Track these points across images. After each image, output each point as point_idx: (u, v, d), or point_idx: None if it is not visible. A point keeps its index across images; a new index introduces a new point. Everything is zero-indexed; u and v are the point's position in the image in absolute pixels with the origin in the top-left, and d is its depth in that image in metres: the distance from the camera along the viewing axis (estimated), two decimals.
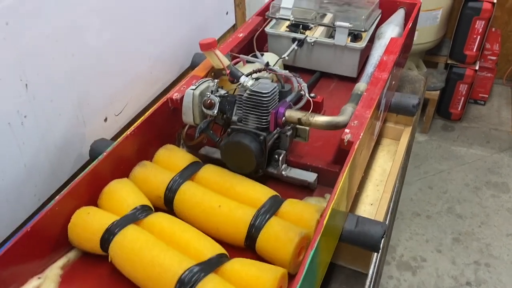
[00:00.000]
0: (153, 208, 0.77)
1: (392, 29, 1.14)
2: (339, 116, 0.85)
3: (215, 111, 0.85)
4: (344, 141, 0.79)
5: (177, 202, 0.78)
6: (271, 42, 1.22)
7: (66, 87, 0.93)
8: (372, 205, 0.96)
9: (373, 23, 1.17)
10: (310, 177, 0.87)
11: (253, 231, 0.73)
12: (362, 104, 0.87)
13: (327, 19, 1.17)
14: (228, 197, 0.79)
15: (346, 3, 1.23)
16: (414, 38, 1.79)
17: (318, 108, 1.07)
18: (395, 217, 1.04)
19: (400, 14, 1.21)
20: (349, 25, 1.09)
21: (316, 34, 1.18)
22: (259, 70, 0.92)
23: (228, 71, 0.91)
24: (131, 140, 0.83)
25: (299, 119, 0.82)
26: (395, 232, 2.29)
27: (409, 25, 1.15)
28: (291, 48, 1.14)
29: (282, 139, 0.88)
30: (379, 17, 1.22)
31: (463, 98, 2.77)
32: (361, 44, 1.12)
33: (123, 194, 0.74)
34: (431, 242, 2.21)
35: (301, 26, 1.18)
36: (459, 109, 2.83)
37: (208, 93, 0.86)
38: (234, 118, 0.85)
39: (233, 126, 0.84)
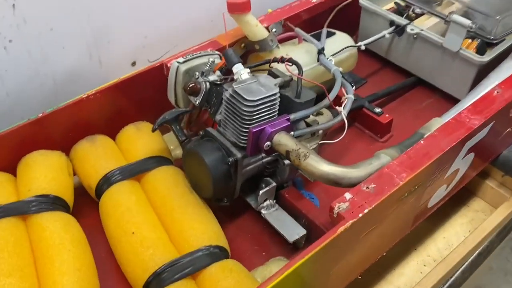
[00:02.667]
0: (68, 203, 0.59)
1: None
2: (351, 167, 0.53)
3: (198, 101, 0.61)
4: (333, 211, 0.49)
5: (101, 203, 0.59)
6: (364, 18, 0.88)
7: (76, 16, 0.76)
8: None
9: None
10: (291, 233, 0.59)
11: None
12: (406, 157, 0.54)
13: (448, 9, 0.77)
14: (161, 221, 0.57)
15: None
16: None
17: (381, 131, 0.74)
18: None
19: None
20: (470, 24, 0.70)
21: (426, 24, 0.80)
22: (269, 62, 0.63)
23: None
24: (91, 104, 0.65)
25: (287, 152, 0.54)
26: (505, 287, 1.80)
27: None
28: (377, 36, 0.80)
29: (280, 166, 0.61)
30: None
31: None
32: (484, 57, 0.72)
33: (32, 174, 0.58)
34: None
35: (411, 9, 0.81)
36: None
37: (197, 74, 0.62)
38: (218, 117, 0.60)
39: (208, 130, 0.59)
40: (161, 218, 0.58)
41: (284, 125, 0.55)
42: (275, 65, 0.64)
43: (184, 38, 0.92)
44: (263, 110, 0.55)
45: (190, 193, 0.59)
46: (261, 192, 0.60)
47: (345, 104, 0.63)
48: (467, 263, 0.72)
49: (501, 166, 0.74)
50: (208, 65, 0.61)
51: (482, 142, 0.63)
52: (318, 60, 0.72)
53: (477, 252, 0.75)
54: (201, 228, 0.55)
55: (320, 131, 0.63)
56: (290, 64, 0.63)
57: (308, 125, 0.63)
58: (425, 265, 0.72)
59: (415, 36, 0.79)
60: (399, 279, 0.70)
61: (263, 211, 0.61)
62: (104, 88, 0.66)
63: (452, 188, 0.67)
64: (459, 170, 0.63)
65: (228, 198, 0.60)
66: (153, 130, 0.60)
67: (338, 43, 0.77)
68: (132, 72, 0.70)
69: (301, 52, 0.75)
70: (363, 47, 0.77)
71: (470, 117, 0.59)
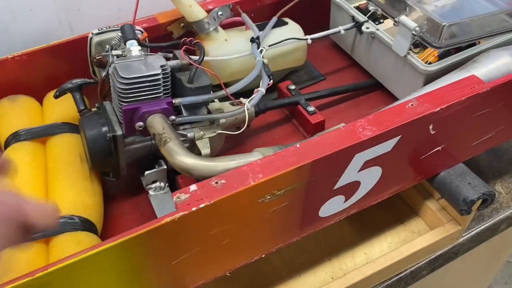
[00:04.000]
0: None
1: (500, 63, 0.62)
2: (208, 160, 0.51)
3: (104, 73, 0.61)
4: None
5: None
6: (334, 11, 0.82)
7: None
8: None
9: (476, 39, 0.65)
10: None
11: None
12: (272, 158, 0.50)
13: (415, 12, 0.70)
14: (46, 185, 0.59)
15: None
16: None
17: (311, 131, 0.71)
18: None
19: None
20: (415, 27, 0.63)
21: (386, 24, 0.74)
22: (178, 44, 0.61)
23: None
24: (19, 66, 0.68)
25: (153, 135, 0.53)
26: None
27: None
28: (330, 31, 0.74)
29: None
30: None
31: None
32: (430, 66, 0.65)
33: None
34: None
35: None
36: None
37: (108, 46, 0.62)
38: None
39: (104, 103, 0.60)
40: (47, 182, 0.60)
41: (160, 107, 0.54)
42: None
43: (160, 10, 0.92)
44: (140, 89, 0.54)
45: (80, 163, 0.60)
46: (146, 172, 0.59)
47: (252, 97, 0.60)
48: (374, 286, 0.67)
49: (437, 188, 0.67)
50: (117, 39, 0.61)
51: (390, 157, 0.57)
52: None
53: (398, 276, 0.69)
54: (71, 198, 0.56)
55: (222, 120, 0.61)
56: (197, 48, 0.61)
57: (209, 113, 0.61)
58: (332, 278, 0.67)
59: (372, 35, 0.72)
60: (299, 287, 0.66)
61: (150, 192, 0.61)
62: (34, 50, 0.68)
63: (359, 201, 0.61)
64: (360, 183, 0.58)
65: (114, 174, 0.60)
66: (55, 97, 0.62)
67: (287, 34, 0.73)
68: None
69: (242, 39, 0.72)
70: (309, 41, 0.73)
71: (365, 127, 0.53)
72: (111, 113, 0.58)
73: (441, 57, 0.68)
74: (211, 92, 0.58)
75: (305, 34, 0.75)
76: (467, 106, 0.57)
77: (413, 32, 0.63)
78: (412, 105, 0.56)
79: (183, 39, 0.62)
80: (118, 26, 0.64)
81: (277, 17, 0.76)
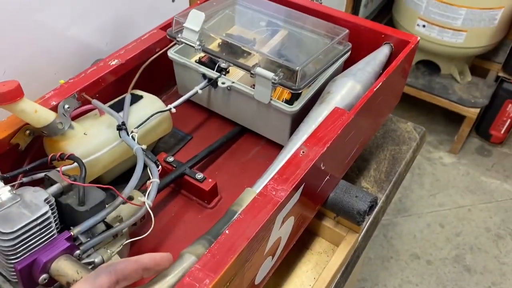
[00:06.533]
0: None
1: (347, 88, 0.70)
2: (146, 285, 0.45)
3: None
4: None
5: None
6: (179, 72, 0.81)
7: None
8: None
9: (322, 72, 0.73)
10: None
11: None
12: (210, 257, 0.47)
13: (255, 57, 0.73)
14: None
15: (301, 26, 0.79)
16: (462, 39, 1.34)
17: (207, 197, 0.68)
18: None
19: (376, 58, 0.75)
20: (274, 77, 0.66)
21: (238, 74, 0.76)
22: (46, 162, 0.53)
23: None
24: None
25: (68, 284, 0.44)
26: (383, 274, 1.89)
27: (386, 75, 0.69)
28: (188, 95, 0.73)
29: None
30: (344, 56, 0.77)
31: (509, 120, 2.21)
32: (293, 107, 0.69)
33: None
34: None
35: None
36: (502, 132, 2.27)
37: None
38: None
39: None
40: None
41: (62, 248, 0.46)
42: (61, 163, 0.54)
43: None
44: (30, 239, 0.44)
45: None
46: None
47: (149, 192, 0.55)
48: None
49: (331, 209, 0.72)
50: None
51: (299, 204, 0.59)
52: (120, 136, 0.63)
53: None
54: None
55: (125, 229, 0.54)
56: (72, 162, 0.53)
57: (108, 225, 0.54)
58: None
59: (229, 88, 0.73)
60: None
61: None
62: None
63: (282, 252, 0.62)
64: (281, 238, 0.59)
65: None
66: None
67: (147, 109, 0.69)
68: None
69: (103, 128, 0.66)
70: (173, 110, 0.70)
71: (277, 189, 0.54)
72: None
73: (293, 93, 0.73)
74: (105, 206, 0.52)
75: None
76: (342, 135, 0.63)
77: (272, 81, 0.66)
78: (303, 152, 0.59)
79: (51, 155, 0.53)
80: None
81: (130, 91, 0.71)
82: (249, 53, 0.73)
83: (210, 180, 0.68)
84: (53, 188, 0.49)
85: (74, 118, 0.66)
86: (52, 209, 0.47)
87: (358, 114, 0.65)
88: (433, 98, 2.16)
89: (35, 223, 0.44)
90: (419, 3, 1.94)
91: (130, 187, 0.54)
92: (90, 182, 0.66)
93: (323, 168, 0.62)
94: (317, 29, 0.76)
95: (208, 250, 0.48)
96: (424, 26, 1.97)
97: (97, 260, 0.51)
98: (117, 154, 0.65)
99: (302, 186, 0.57)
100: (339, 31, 0.75)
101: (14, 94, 0.56)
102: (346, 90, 0.69)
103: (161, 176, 0.58)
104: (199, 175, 0.68)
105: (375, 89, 0.66)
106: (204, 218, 0.68)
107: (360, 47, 0.78)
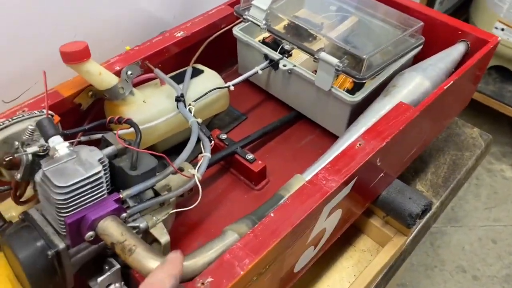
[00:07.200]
0: None
1: (415, 83, 0.66)
2: (186, 256, 0.45)
3: (20, 175, 0.50)
4: None
5: None
6: (241, 50, 0.80)
7: None
8: None
9: (390, 63, 0.69)
10: None
11: None
12: (252, 237, 0.46)
13: (321, 41, 0.71)
14: None
15: (372, 14, 0.75)
16: None
17: (254, 178, 0.67)
18: None
19: (450, 55, 0.71)
20: (338, 63, 0.64)
21: (300, 58, 0.74)
22: (104, 123, 0.54)
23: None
24: None
25: (113, 245, 0.45)
26: (425, 282, 1.82)
27: (459, 74, 0.64)
28: (247, 74, 0.72)
29: None
30: (415, 50, 0.73)
31: None
32: (355, 97, 0.66)
33: None
34: None
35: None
36: None
37: (17, 143, 0.51)
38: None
39: (29, 212, 0.49)
40: None
41: (111, 209, 0.46)
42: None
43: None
44: (82, 195, 0.45)
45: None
46: (99, 279, 0.51)
47: (199, 165, 0.55)
48: None
49: (381, 207, 0.69)
50: (28, 133, 0.51)
51: (348, 198, 0.57)
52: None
53: None
54: None
55: (173, 199, 0.55)
56: (129, 126, 0.53)
57: (156, 193, 0.54)
58: None
59: (289, 72, 0.72)
60: None
61: None
62: None
63: (324, 244, 0.61)
64: (325, 229, 0.57)
65: None
66: None
67: (207, 83, 0.69)
68: None
69: (162, 98, 0.66)
70: (232, 88, 0.69)
71: (328, 178, 0.52)
72: (43, 224, 0.48)
73: (356, 82, 0.70)
74: (156, 174, 0.52)
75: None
76: (404, 131, 0.60)
77: (336, 68, 0.63)
78: (360, 145, 0.56)
79: (109, 118, 0.54)
80: (22, 115, 0.53)
81: (192, 64, 0.71)
82: (315, 38, 0.71)
83: (260, 162, 0.67)
84: (108, 150, 0.50)
85: (135, 85, 0.67)
86: (105, 170, 0.47)
87: (424, 112, 0.61)
88: (502, 106, 2.03)
89: (87, 180, 0.45)
90: (500, 5, 1.81)
91: (181, 158, 0.54)
92: (144, 149, 0.67)
93: (378, 164, 0.59)
94: (389, 19, 0.73)
95: (252, 230, 0.47)
96: (503, 29, 1.84)
97: (142, 225, 0.51)
98: (173, 124, 0.65)
99: (354, 180, 0.55)
100: (413, 23, 0.71)
101: (82, 54, 0.57)
102: (414, 85, 0.65)
103: (213, 152, 0.58)
104: (250, 156, 0.67)
105: (445, 88, 0.62)
106: (250, 199, 0.67)
107: (433, 42, 0.73)
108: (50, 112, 0.55)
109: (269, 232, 0.47)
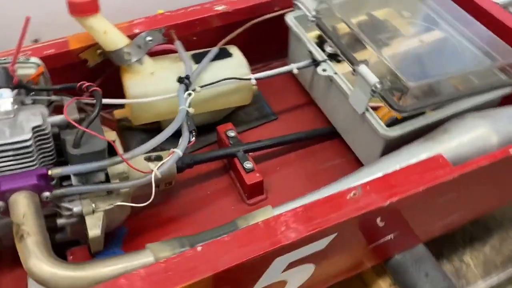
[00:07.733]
0: None
1: (477, 135, 0.49)
2: (76, 266, 0.38)
3: None
4: None
5: None
6: (291, 42, 0.68)
7: None
8: None
9: (453, 100, 0.52)
10: None
11: None
12: (161, 268, 0.38)
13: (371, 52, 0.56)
14: None
15: (460, 31, 0.58)
16: None
17: (247, 191, 0.58)
18: None
19: None
20: (376, 83, 0.49)
21: (348, 67, 0.60)
22: (66, 88, 0.48)
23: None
24: None
25: (13, 224, 0.40)
26: None
27: None
28: (274, 71, 0.61)
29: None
30: (501, 91, 0.54)
31: None
32: (390, 131, 0.51)
33: None
34: None
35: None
36: None
37: None
38: None
39: None
40: None
41: (28, 183, 0.41)
42: None
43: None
44: (2, 160, 0.41)
45: None
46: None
47: (164, 161, 0.47)
48: None
49: (391, 272, 0.55)
50: None
51: (323, 254, 0.44)
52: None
53: None
54: None
55: (125, 190, 0.48)
56: (93, 98, 0.47)
57: (107, 179, 0.48)
58: None
59: (330, 78, 0.59)
60: None
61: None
62: None
63: None
64: (287, 282, 0.46)
65: None
66: None
67: (228, 70, 0.60)
68: None
69: (173, 72, 0.58)
70: (253, 81, 0.59)
71: (290, 226, 0.40)
72: None
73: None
74: (106, 157, 0.45)
75: (261, 62, 0.62)
76: (428, 193, 0.44)
77: (373, 88, 0.49)
78: (354, 194, 0.43)
79: (80, 83, 0.48)
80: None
81: (222, 45, 0.62)
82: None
83: (257, 174, 0.57)
84: (56, 118, 0.44)
85: (153, 54, 0.60)
86: (40, 138, 0.42)
87: (468, 176, 0.45)
88: None
89: (10, 146, 0.40)
90: None
91: (140, 150, 0.46)
92: (139, 126, 0.61)
93: (380, 224, 0.45)
94: (479, 40, 0.55)
95: (165, 260, 0.38)
96: None
97: (75, 209, 0.45)
98: (174, 105, 0.58)
99: (334, 236, 0.42)
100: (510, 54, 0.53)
101: (87, 7, 0.52)
102: (473, 137, 0.48)
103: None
104: (248, 164, 0.57)
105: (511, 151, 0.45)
106: (236, 212, 0.58)
107: None
108: (37, 59, 0.51)
109: (183, 269, 0.37)
